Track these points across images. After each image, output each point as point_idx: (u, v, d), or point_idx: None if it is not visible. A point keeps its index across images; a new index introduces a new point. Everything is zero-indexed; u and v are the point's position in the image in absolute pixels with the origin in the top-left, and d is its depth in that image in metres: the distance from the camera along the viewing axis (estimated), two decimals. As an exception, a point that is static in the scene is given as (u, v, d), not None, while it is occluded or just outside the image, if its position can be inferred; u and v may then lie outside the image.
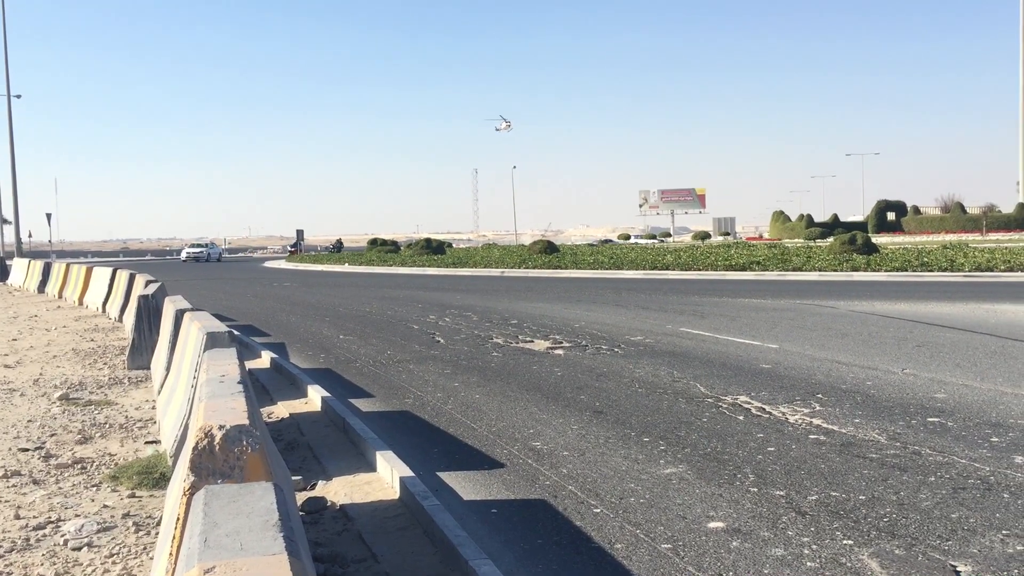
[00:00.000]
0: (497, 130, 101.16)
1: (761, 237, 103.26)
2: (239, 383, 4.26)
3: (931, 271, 27.10)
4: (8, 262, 37.41)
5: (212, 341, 6.18)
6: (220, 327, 6.81)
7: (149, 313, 12.04)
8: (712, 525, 5.11)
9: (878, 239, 56.86)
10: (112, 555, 4.87)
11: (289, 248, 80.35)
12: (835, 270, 28.85)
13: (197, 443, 3.36)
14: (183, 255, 71.17)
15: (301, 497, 5.92)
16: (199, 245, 74.57)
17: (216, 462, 3.34)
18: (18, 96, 53.49)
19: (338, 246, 78.64)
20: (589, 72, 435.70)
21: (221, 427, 3.38)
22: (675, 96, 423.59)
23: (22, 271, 32.35)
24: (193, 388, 5.75)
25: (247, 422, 3.45)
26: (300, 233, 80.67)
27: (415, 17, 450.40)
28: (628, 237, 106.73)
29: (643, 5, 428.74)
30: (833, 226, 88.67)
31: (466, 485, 6.14)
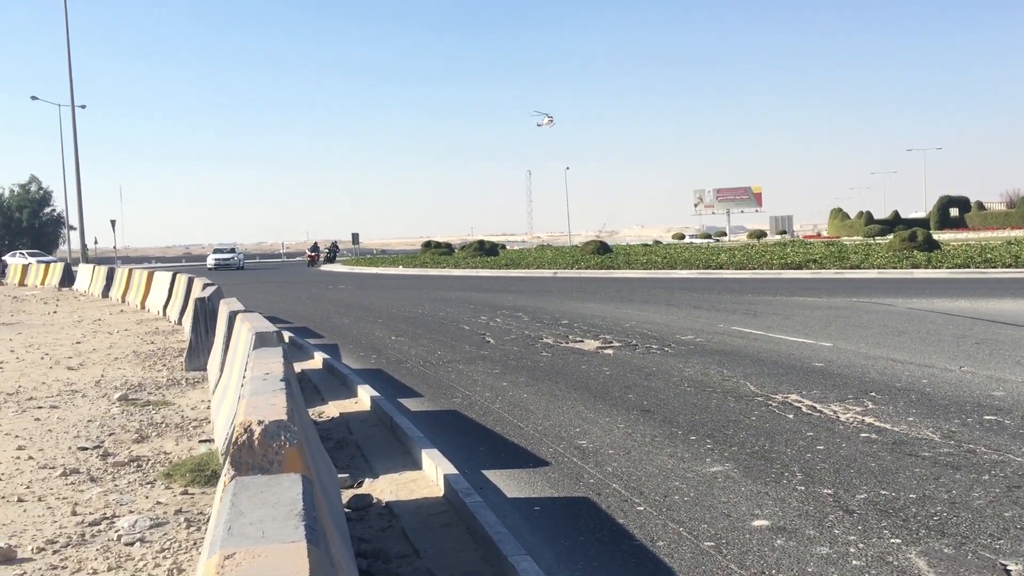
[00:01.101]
0: (539, 125, 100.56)
1: (819, 235, 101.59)
2: (282, 380, 4.33)
3: (994, 267, 26.40)
4: (74, 268, 38.47)
5: (260, 340, 6.29)
6: (269, 327, 6.94)
7: (205, 315, 12.30)
8: (757, 523, 5.06)
9: (940, 236, 55.58)
10: (163, 550, 4.99)
11: (308, 253, 67.82)
12: (894, 267, 28.27)
13: (237, 438, 3.43)
14: (209, 262, 60.93)
15: (347, 494, 6.00)
16: (225, 250, 63.95)
17: (255, 456, 3.41)
18: (83, 106, 54.94)
19: (332, 251, 68.01)
20: (643, 70, 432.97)
21: (260, 422, 3.44)
22: (731, 93, 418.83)
23: (87, 276, 33.25)
24: (241, 387, 5.87)
25: (285, 418, 3.51)
26: (356, 236, 79.75)
27: (467, 17, 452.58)
28: (683, 237, 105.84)
29: (693, 2, 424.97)
30: (894, 223, 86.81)
31: (510, 483, 6.16)
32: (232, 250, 64.34)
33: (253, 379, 4.48)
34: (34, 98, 56.03)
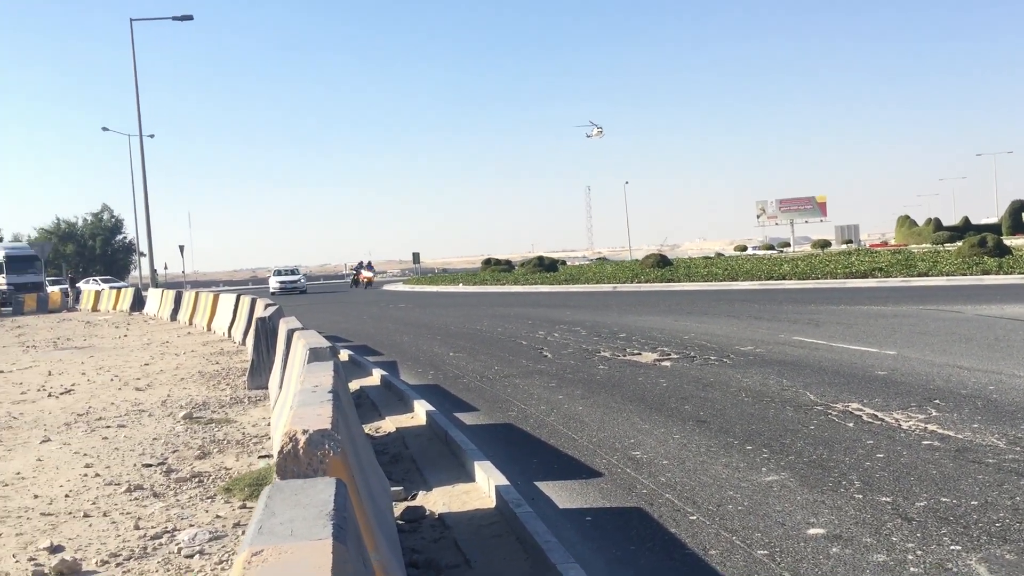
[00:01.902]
0: (588, 136, 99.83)
1: (886, 244, 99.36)
2: (329, 392, 4.40)
3: (1070, 271, 25.55)
4: (144, 293, 39.53)
5: (313, 356, 6.40)
6: (322, 343, 7.05)
7: (267, 334, 12.54)
8: (812, 531, 4.97)
9: (1012, 241, 53.95)
10: (221, 562, 5.10)
11: (353, 270, 64.78)
12: (963, 274, 27.55)
13: (282, 447, 3.51)
14: (272, 285, 55.40)
15: (401, 507, 6.06)
16: (286, 271, 57.93)
17: (300, 465, 3.48)
18: (151, 136, 56.80)
19: (358, 270, 63.42)
20: (701, 81, 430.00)
21: (304, 431, 3.51)
22: (792, 102, 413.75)
23: (156, 301, 34.15)
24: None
25: (329, 427, 3.57)
26: (416, 256, 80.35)
27: (524, 34, 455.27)
28: (744, 249, 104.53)
29: (753, 12, 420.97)
30: (964, 230, 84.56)
31: (562, 494, 6.15)
32: (294, 271, 58.51)
33: (302, 392, 4.57)
34: (105, 129, 57.79)
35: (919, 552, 4.53)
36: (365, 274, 60.81)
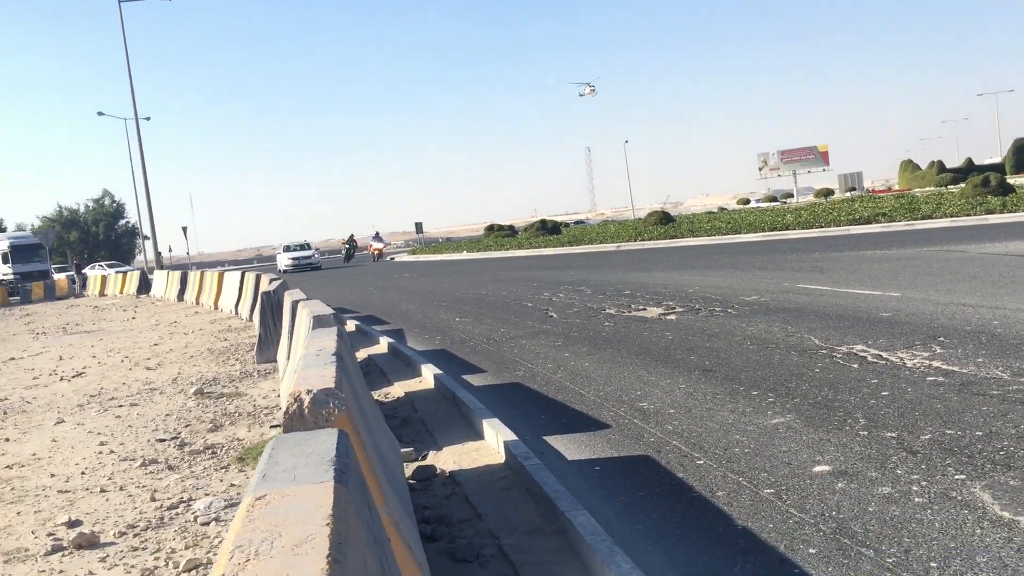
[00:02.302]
0: (581, 95, 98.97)
1: (890, 189, 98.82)
2: (333, 355, 4.45)
3: (1074, 206, 25.44)
4: (150, 276, 39.65)
5: (317, 323, 6.45)
6: (326, 310, 7.10)
7: (272, 308, 12.60)
8: (817, 469, 5.02)
9: (1016, 180, 53.69)
10: (237, 527, 5.17)
11: (346, 244, 60.65)
12: (967, 215, 27.45)
13: (288, 407, 3.55)
14: (282, 263, 50.08)
15: (412, 467, 6.13)
16: (297, 247, 52.22)
17: (306, 424, 3.53)
18: (147, 118, 56.42)
19: (350, 246, 59.98)
20: (699, 36, 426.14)
21: (309, 391, 3.56)
22: (791, 51, 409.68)
23: (162, 282, 34.26)
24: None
25: (333, 386, 3.62)
26: (419, 225, 79.32)
27: None
28: (747, 202, 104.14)
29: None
30: (967, 171, 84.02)
31: (571, 447, 6.21)
32: (306, 246, 52.71)
33: (306, 356, 4.62)
34: (100, 114, 57.52)
35: (924, 483, 4.58)
36: (375, 245, 55.84)
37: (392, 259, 57.13)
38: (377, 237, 57.48)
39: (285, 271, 47.42)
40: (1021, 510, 4.07)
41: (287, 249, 52.37)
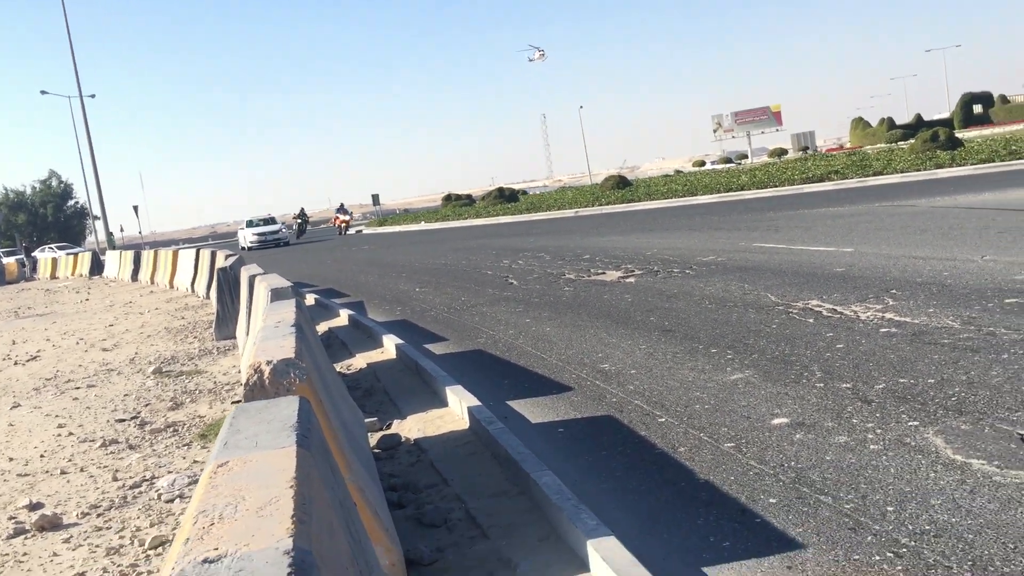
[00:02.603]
0: (531, 60, 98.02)
1: (842, 147, 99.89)
2: (292, 326, 4.42)
3: (1020, 159, 25.94)
4: (102, 257, 38.98)
5: (276, 296, 6.40)
6: (283, 283, 7.04)
7: (229, 284, 12.47)
8: (776, 422, 5.12)
9: (964, 134, 54.57)
10: (202, 503, 5.15)
11: (297, 219, 55.94)
12: (917, 170, 27.87)
13: (248, 379, 3.53)
14: (246, 240, 45.79)
15: (376, 437, 6.13)
16: (261, 222, 47.46)
17: (267, 395, 3.51)
18: (92, 96, 55.21)
19: (302, 220, 55.96)
20: (648, 1, 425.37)
21: (269, 362, 3.54)
22: (742, 12, 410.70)
23: (115, 263, 33.71)
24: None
25: (294, 355, 3.60)
26: (376, 198, 78.43)
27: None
28: (703, 164, 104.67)
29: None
30: (917, 127, 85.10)
31: (534, 410, 6.26)
32: (271, 219, 48.27)
33: (265, 328, 4.59)
34: (44, 92, 56.19)
35: (879, 431, 4.69)
36: (341, 217, 52.88)
37: (360, 232, 53.92)
38: (342, 209, 54.32)
39: (250, 248, 43.62)
40: (973, 453, 4.19)
41: (250, 224, 47.54)
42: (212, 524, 1.46)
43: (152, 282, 26.40)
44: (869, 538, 3.53)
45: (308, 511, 1.52)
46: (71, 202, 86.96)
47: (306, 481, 1.69)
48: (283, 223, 50.26)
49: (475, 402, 6.11)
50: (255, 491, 1.60)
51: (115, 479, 5.85)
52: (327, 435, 3.07)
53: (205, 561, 1.29)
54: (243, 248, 44.09)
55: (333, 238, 49.62)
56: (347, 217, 53.48)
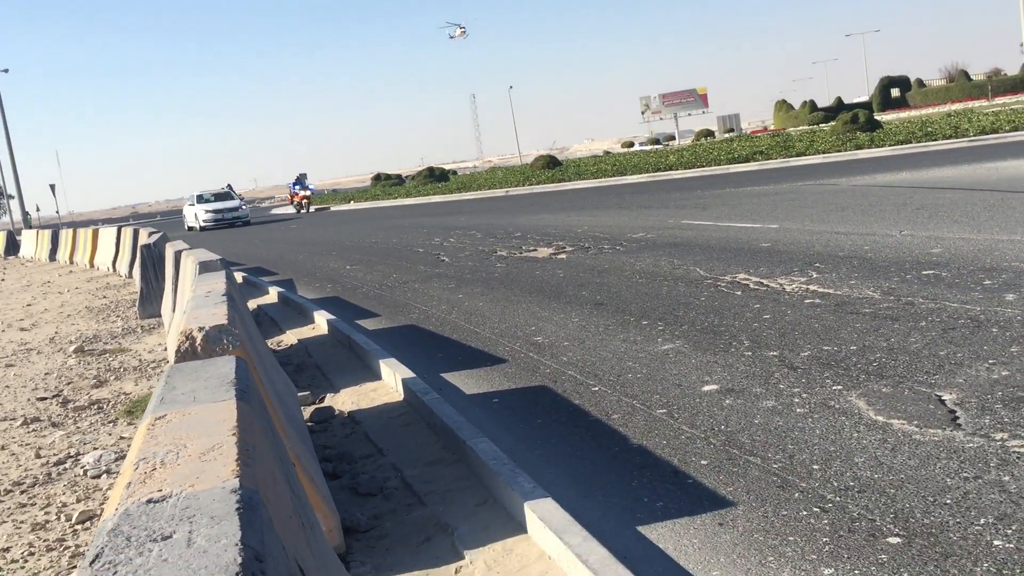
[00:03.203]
0: (452, 37, 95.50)
1: (766, 129, 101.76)
2: (223, 295, 4.35)
3: (935, 140, 26.80)
4: (18, 237, 37.66)
5: (204, 268, 6.28)
6: (211, 256, 6.91)
7: (153, 262, 12.18)
8: (706, 388, 5.23)
9: (883, 116, 56.04)
10: (130, 478, 5.04)
11: (294, 194, 46.96)
12: (838, 151, 28.59)
13: (179, 346, 3.47)
14: (197, 219, 38.66)
15: (309, 410, 6.08)
16: (216, 196, 40.40)
17: (199, 362, 3.45)
18: (5, 71, 53.09)
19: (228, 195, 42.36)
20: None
21: (200, 328, 3.48)
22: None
23: (31, 242, 32.60)
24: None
25: (226, 322, 3.55)
26: (303, 176, 77.28)
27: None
28: (631, 145, 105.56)
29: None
30: (837, 109, 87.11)
31: (469, 382, 6.27)
32: (228, 194, 41.04)
33: (195, 297, 4.50)
34: (-48, 66, 53.78)
35: (804, 395, 4.83)
36: (301, 193, 45.52)
37: (330, 210, 46.47)
38: (301, 183, 46.21)
39: (203, 228, 37.45)
40: (893, 414, 4.34)
41: (201, 199, 39.62)
42: (154, 469, 1.44)
43: (71, 262, 25.62)
44: (796, 495, 3.64)
45: (252, 456, 1.51)
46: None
47: (248, 430, 1.67)
48: (241, 197, 42.53)
49: (409, 374, 6.10)
50: (196, 439, 1.58)
51: (38, 456, 5.69)
52: (263, 395, 3.04)
53: (150, 502, 1.27)
54: (191, 228, 38.21)
55: (261, 218, 48.10)
56: (308, 192, 45.89)
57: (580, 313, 8.05)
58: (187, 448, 1.53)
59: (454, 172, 72.26)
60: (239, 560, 1.04)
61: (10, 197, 52.01)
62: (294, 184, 46.77)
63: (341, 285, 12.66)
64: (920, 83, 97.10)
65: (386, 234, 21.06)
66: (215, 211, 38.30)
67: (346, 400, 6.26)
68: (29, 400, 7.48)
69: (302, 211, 45.03)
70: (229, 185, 47.17)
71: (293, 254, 19.42)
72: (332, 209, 47.01)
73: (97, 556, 1.12)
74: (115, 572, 1.07)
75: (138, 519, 1.22)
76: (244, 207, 39.76)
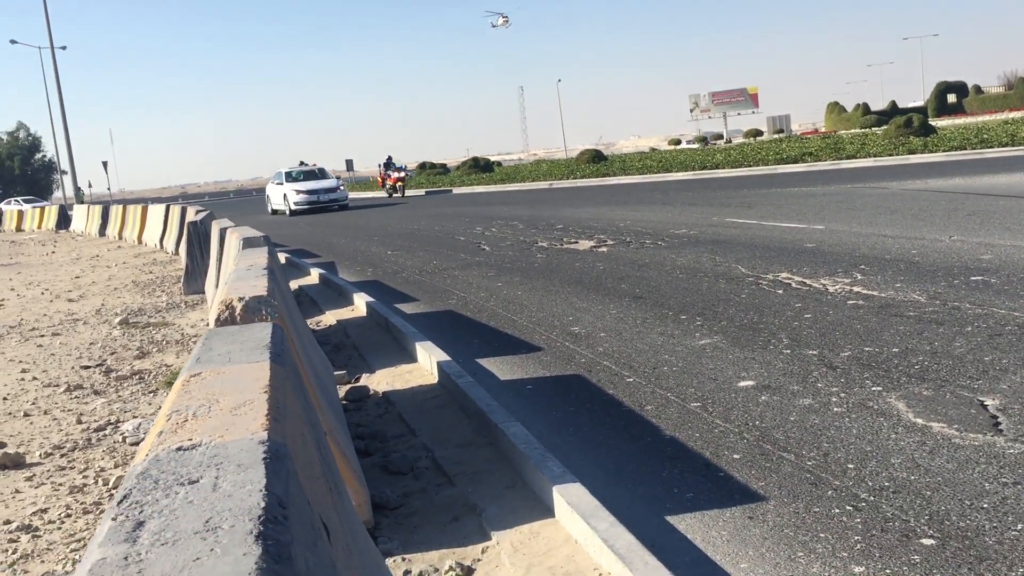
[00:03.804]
0: (494, 27, 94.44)
1: (817, 131, 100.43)
2: (265, 269, 4.39)
3: (990, 147, 26.24)
4: (70, 211, 38.42)
5: (247, 244, 6.35)
6: (256, 233, 6.99)
7: (199, 239, 12.35)
8: (742, 384, 5.18)
9: (938, 122, 54.99)
10: (168, 447, 5.13)
11: (387, 174, 40.95)
12: (890, 155, 28.10)
13: (219, 315, 3.51)
14: (286, 200, 32.16)
15: (344, 389, 6.13)
16: (309, 173, 34.03)
17: (238, 331, 3.49)
18: (63, 47, 54.13)
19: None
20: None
21: (240, 299, 3.51)
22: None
23: (82, 217, 33.23)
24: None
25: (265, 294, 3.58)
26: (350, 163, 77.84)
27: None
28: (678, 143, 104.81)
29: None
30: (891, 113, 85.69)
31: (503, 368, 6.28)
32: (322, 172, 34.29)
33: (237, 270, 4.55)
34: (13, 42, 54.98)
35: (842, 395, 4.76)
36: (393, 175, 39.80)
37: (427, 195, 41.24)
38: (391, 163, 40.92)
39: (293, 212, 31.32)
40: (933, 417, 4.27)
41: (290, 177, 33.09)
42: (186, 421, 1.46)
43: (120, 237, 26.08)
44: (829, 492, 3.59)
45: (283, 413, 1.53)
46: (39, 155, 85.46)
47: (280, 388, 1.69)
48: (337, 177, 36.25)
49: (445, 357, 6.13)
50: (229, 395, 1.60)
51: (79, 422, 5.80)
52: (297, 363, 3.07)
53: (179, 449, 1.29)
54: (276, 212, 33.11)
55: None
56: (402, 174, 39.96)
57: (618, 305, 8.02)
58: (219, 403, 1.55)
59: (499, 163, 72.23)
60: (262, 505, 1.05)
61: (64, 173, 53.09)
62: (385, 166, 41.19)
63: (381, 270, 12.74)
64: (978, 89, 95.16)
65: (428, 221, 21.14)
66: (309, 192, 31.62)
67: (381, 381, 6.30)
68: (73, 368, 7.63)
69: (396, 195, 39.69)
70: (389, 158, 41.98)
71: (336, 238, 19.57)
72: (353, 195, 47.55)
73: (125, 497, 1.14)
74: (141, 511, 1.08)
75: (167, 464, 1.23)
76: (342, 188, 33.31)
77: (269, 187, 35.42)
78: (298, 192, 31.78)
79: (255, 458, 1.22)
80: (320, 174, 33.94)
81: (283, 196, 32.30)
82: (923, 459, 3.79)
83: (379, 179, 41.16)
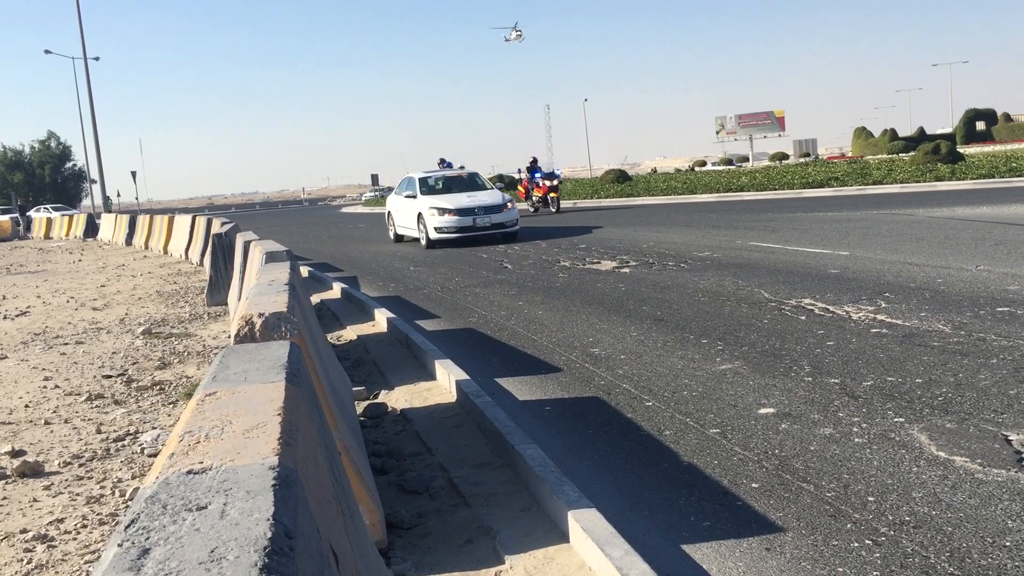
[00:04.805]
0: (507, 40, 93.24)
1: (844, 156, 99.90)
2: (286, 284, 4.41)
3: (1019, 176, 25.96)
4: (97, 220, 38.83)
5: (270, 258, 6.38)
6: (279, 247, 7.03)
7: (224, 251, 12.44)
8: (762, 411, 5.13)
9: (966, 149, 54.55)
10: (185, 459, 5.14)
11: (529, 184, 31.48)
12: (917, 181, 27.87)
13: (239, 331, 3.52)
14: (421, 224, 19.21)
15: (362, 405, 6.13)
16: (459, 181, 21.19)
17: (257, 347, 3.50)
18: (96, 59, 54.87)
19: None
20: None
21: (260, 315, 3.52)
22: (751, 17, 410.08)
23: (110, 226, 33.57)
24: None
25: (285, 310, 3.59)
26: (375, 177, 78.61)
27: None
28: (704, 164, 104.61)
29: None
30: (919, 140, 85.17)
31: (522, 388, 6.26)
32: (475, 178, 21.73)
33: (258, 285, 4.57)
34: (47, 52, 55.79)
35: (864, 425, 4.70)
36: (546, 184, 30.20)
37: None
38: (537, 167, 32.13)
39: (434, 242, 18.89)
40: (956, 451, 4.21)
41: (429, 187, 20.75)
42: (198, 442, 1.45)
43: (146, 247, 26.32)
44: (849, 525, 3.54)
45: (295, 437, 1.52)
46: (69, 164, 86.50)
47: (294, 411, 1.68)
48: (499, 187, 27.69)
49: (463, 376, 6.11)
50: (242, 417, 1.59)
51: (99, 432, 5.83)
52: (314, 382, 3.07)
53: (190, 472, 1.28)
54: (400, 239, 21.48)
55: (331, 216, 48.91)
56: (555, 181, 30.64)
57: (639, 328, 7.98)
58: (232, 424, 1.54)
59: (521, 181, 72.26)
60: (268, 535, 1.05)
61: (93, 182, 53.70)
62: (532, 172, 31.72)
63: (403, 285, 12.76)
64: (1007, 117, 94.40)
65: (452, 238, 21.14)
66: (461, 212, 18.97)
67: (400, 398, 6.30)
68: (95, 377, 7.69)
69: (547, 207, 30.20)
70: (534, 160, 33.12)
71: (358, 252, 19.63)
72: (369, 210, 47.71)
73: (133, 521, 1.13)
74: (147, 538, 1.07)
75: (176, 488, 1.23)
76: (511, 204, 19.78)
77: (393, 200, 22.52)
78: (443, 211, 19.08)
79: (264, 484, 1.21)
80: (472, 181, 21.51)
81: (417, 216, 19.76)
82: (945, 494, 3.73)
83: (521, 189, 32.82)
